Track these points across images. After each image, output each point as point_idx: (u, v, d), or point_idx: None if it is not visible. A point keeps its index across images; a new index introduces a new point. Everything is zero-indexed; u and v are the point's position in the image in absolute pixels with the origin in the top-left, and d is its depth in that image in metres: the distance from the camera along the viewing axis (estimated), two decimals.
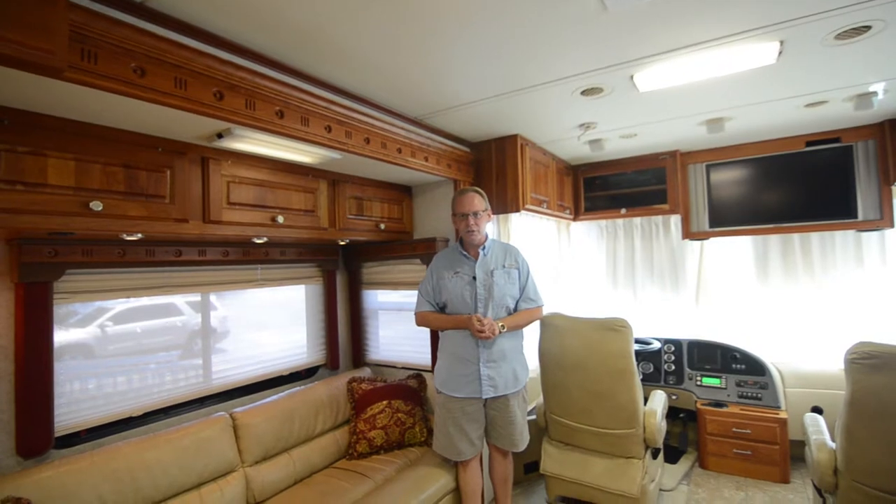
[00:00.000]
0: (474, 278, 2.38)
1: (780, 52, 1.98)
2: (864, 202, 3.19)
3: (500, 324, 2.32)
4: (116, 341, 2.28)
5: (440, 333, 2.51)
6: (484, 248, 2.45)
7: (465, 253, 2.45)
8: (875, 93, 2.51)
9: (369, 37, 1.74)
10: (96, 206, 1.62)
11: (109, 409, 2.18)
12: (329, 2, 1.50)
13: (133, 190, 1.75)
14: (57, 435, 1.95)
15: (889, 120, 3.04)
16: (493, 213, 3.15)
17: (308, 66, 1.95)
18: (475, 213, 2.37)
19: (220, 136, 1.86)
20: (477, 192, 2.44)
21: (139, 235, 1.88)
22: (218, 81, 1.64)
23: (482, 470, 2.60)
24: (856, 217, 3.21)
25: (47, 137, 1.54)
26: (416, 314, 2.53)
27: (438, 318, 2.46)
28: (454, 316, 2.40)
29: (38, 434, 1.86)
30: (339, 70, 2.01)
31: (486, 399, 2.38)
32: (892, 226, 3.14)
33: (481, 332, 2.24)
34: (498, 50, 1.90)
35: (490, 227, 3.22)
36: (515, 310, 2.46)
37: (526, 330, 2.57)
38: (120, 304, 2.31)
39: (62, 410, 2.00)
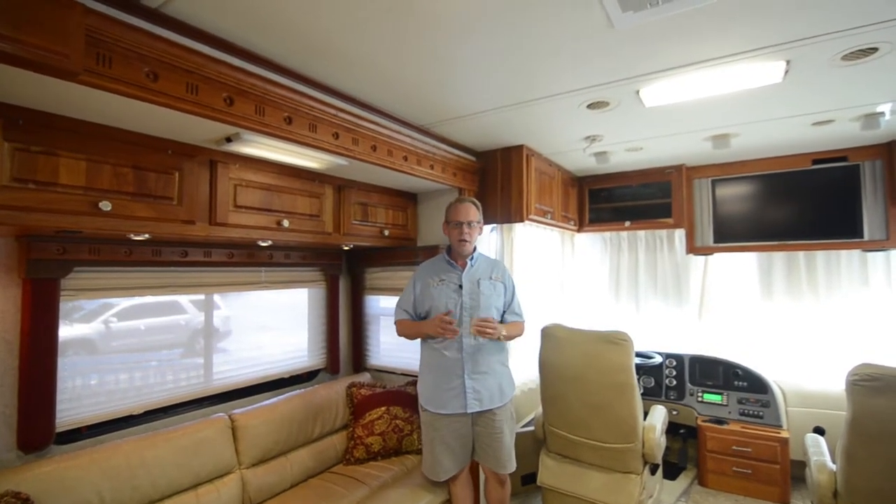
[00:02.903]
0: (460, 287, 2.36)
1: (787, 72, 1.99)
2: (871, 222, 3.18)
3: (501, 329, 2.28)
4: (120, 338, 2.30)
5: (422, 345, 2.45)
6: (472, 258, 2.43)
7: (451, 262, 2.43)
8: (882, 113, 2.51)
9: (377, 47, 1.76)
10: (105, 206, 1.65)
11: (111, 406, 2.20)
12: (338, 12, 1.53)
13: (142, 191, 1.78)
14: (58, 430, 1.97)
15: None
16: (498, 223, 3.17)
17: (317, 73, 1.98)
18: (469, 223, 2.36)
19: (228, 139, 1.89)
20: (473, 202, 2.43)
21: (146, 236, 1.91)
22: (229, 87, 1.67)
23: (477, 486, 2.58)
24: (862, 237, 3.19)
25: (60, 138, 1.58)
26: (396, 323, 2.48)
27: (414, 325, 2.40)
28: (424, 322, 2.35)
29: (39, 429, 1.88)
30: (347, 78, 2.04)
31: (472, 415, 2.32)
32: None
33: (449, 330, 2.18)
34: (504, 62, 1.92)
35: (494, 237, 3.25)
36: (502, 322, 2.43)
37: (521, 342, 2.56)
38: (124, 301, 2.33)
39: (64, 406, 2.02)
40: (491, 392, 2.34)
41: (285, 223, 2.33)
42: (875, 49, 1.81)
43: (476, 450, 2.40)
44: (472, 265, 2.42)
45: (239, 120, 1.72)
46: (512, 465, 2.40)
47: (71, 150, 1.60)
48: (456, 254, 2.43)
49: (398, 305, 2.49)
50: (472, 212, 2.39)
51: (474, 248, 2.45)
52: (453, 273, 2.40)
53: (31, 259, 1.85)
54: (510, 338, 2.44)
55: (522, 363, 3.22)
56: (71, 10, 1.20)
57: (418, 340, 2.43)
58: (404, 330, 2.45)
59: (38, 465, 1.77)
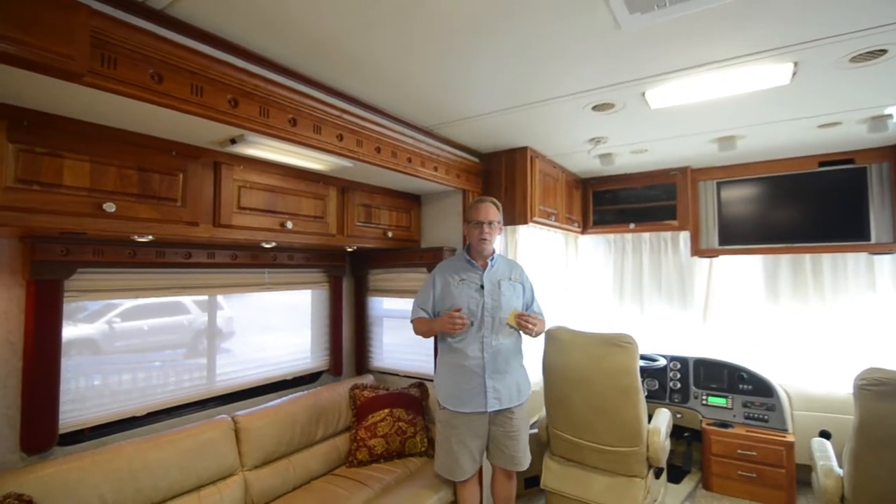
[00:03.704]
0: (482, 287, 2.37)
1: (794, 74, 1.97)
2: (878, 225, 3.15)
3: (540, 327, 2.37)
4: (123, 338, 2.30)
5: (440, 344, 2.47)
6: (492, 259, 2.45)
7: (472, 261, 2.44)
8: (890, 115, 2.49)
9: (382, 48, 1.76)
10: (109, 207, 1.64)
11: (114, 407, 2.19)
12: (342, 14, 1.52)
13: (146, 192, 1.78)
14: (61, 432, 1.97)
15: None
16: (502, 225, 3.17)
17: (321, 75, 1.98)
18: (490, 223, 2.38)
19: (233, 141, 1.88)
20: (494, 202, 2.45)
21: (150, 237, 1.91)
22: (233, 89, 1.67)
23: (481, 486, 2.57)
24: (868, 239, 3.17)
25: (64, 139, 1.57)
26: (413, 322, 2.47)
27: (427, 323, 2.40)
28: (436, 319, 2.36)
29: (42, 430, 1.88)
30: (351, 80, 2.04)
31: (489, 414, 2.34)
32: None
33: (457, 324, 2.24)
34: (510, 64, 1.91)
35: (497, 239, 3.23)
36: None
37: (525, 345, 2.55)
38: (128, 301, 2.33)
39: (67, 408, 2.01)
40: (510, 391, 2.36)
41: (289, 225, 2.32)
42: (884, 51, 1.79)
43: (491, 450, 2.42)
44: (492, 266, 2.44)
45: (243, 121, 1.72)
46: (527, 462, 2.44)
47: (75, 151, 1.59)
48: (476, 253, 2.45)
49: (415, 304, 2.48)
50: (493, 211, 2.41)
51: (494, 249, 2.47)
52: (474, 273, 2.41)
53: (34, 260, 1.84)
54: (539, 332, 2.45)
55: (526, 366, 3.20)
56: (76, 12, 1.20)
57: (431, 341, 2.42)
58: (419, 328, 2.46)
59: (41, 466, 1.77)
